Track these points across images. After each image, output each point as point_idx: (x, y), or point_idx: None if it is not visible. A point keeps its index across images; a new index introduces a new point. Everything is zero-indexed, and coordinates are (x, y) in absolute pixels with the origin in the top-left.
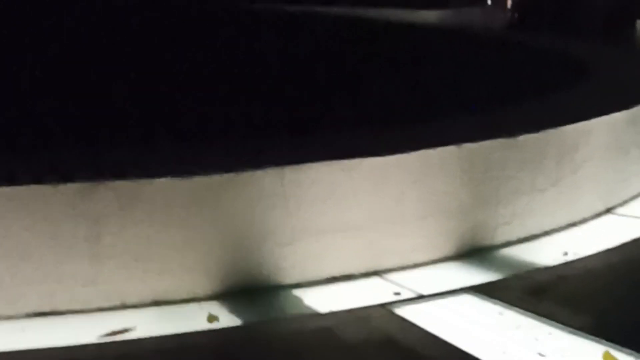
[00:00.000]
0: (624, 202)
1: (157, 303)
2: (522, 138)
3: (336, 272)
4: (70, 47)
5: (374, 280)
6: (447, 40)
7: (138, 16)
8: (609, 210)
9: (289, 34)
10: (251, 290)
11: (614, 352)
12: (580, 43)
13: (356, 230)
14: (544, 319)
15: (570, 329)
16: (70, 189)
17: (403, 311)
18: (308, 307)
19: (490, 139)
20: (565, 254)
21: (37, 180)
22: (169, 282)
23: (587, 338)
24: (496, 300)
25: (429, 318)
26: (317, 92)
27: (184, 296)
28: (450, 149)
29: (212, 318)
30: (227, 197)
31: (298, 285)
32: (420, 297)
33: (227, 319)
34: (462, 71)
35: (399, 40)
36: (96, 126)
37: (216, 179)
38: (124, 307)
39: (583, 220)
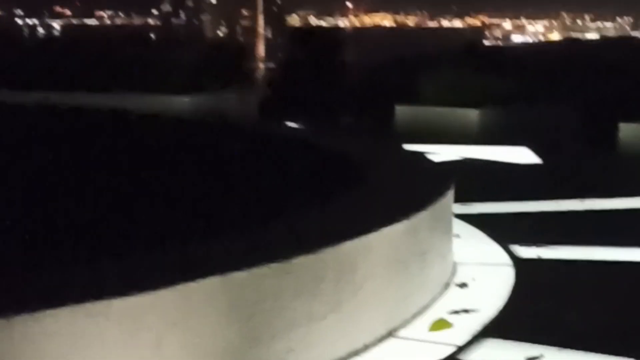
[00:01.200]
0: (406, 322)
1: None
2: (296, 261)
3: None
4: None
5: None
6: (193, 133)
7: None
8: (391, 333)
9: None
10: None
11: None
12: (344, 139)
13: None
14: None
15: None
16: None
17: None
18: None
19: (260, 265)
20: None
21: None
22: None
23: None
24: None
25: None
26: (41, 215)
27: None
28: (214, 281)
29: None
30: None
31: None
32: None
33: None
34: (220, 177)
35: (131, 139)
36: None
37: None
38: None
39: (365, 348)
